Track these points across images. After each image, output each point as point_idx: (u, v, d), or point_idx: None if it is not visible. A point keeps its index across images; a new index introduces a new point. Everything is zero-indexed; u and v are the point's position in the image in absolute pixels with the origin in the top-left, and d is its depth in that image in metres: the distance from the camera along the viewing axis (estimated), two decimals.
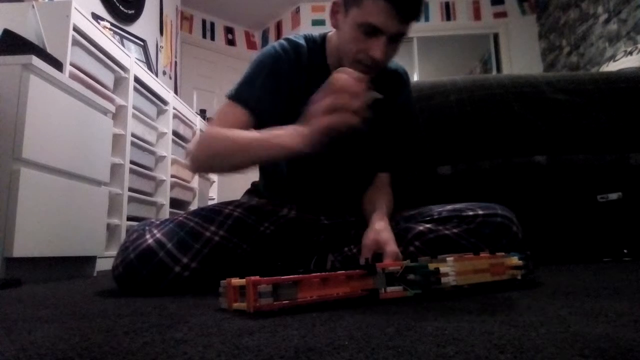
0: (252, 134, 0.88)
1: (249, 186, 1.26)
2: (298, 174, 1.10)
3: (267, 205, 1.06)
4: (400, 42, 0.96)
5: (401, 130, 1.13)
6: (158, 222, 0.95)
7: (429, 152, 1.46)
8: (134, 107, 2.30)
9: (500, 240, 0.99)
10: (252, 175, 1.21)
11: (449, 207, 1.04)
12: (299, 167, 1.08)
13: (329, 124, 0.75)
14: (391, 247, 0.85)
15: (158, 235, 0.90)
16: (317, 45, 1.05)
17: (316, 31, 1.11)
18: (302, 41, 1.04)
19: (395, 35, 0.90)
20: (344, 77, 0.76)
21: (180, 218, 0.96)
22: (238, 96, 0.97)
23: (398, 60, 1.11)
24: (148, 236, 0.90)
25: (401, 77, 1.13)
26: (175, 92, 3.99)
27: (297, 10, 4.75)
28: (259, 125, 0.95)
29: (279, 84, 0.99)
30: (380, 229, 0.89)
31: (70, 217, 1.51)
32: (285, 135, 0.82)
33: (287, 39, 1.04)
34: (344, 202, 1.13)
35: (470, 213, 1.00)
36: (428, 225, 1.01)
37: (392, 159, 1.14)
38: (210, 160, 0.94)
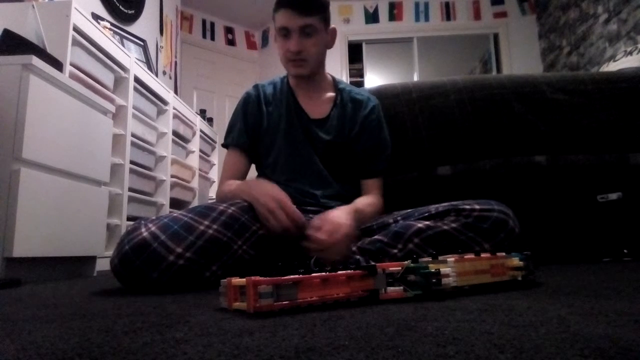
0: (235, 188, 1.17)
1: None
2: (289, 176, 1.22)
3: None
4: (320, 35, 1.18)
5: (365, 142, 1.27)
6: (154, 218, 0.98)
7: (428, 152, 1.46)
8: (134, 107, 2.30)
9: (497, 235, 0.99)
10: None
11: (446, 203, 1.06)
12: (290, 169, 1.23)
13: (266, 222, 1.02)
14: (332, 220, 0.97)
15: (153, 228, 0.92)
16: (282, 78, 1.33)
17: None
18: (266, 83, 1.33)
19: (303, 28, 1.15)
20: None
21: (175, 214, 0.98)
22: (228, 142, 1.29)
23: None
24: (143, 229, 0.92)
25: (364, 101, 1.31)
26: (175, 92, 3.99)
27: None
28: (253, 148, 1.28)
29: (247, 119, 1.28)
30: (332, 211, 1.03)
31: (70, 217, 1.51)
32: (245, 191, 1.11)
33: (254, 86, 1.33)
34: (334, 200, 1.20)
35: (467, 207, 1.02)
36: (427, 222, 1.01)
37: (363, 168, 1.28)
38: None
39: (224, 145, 1.31)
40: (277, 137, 1.25)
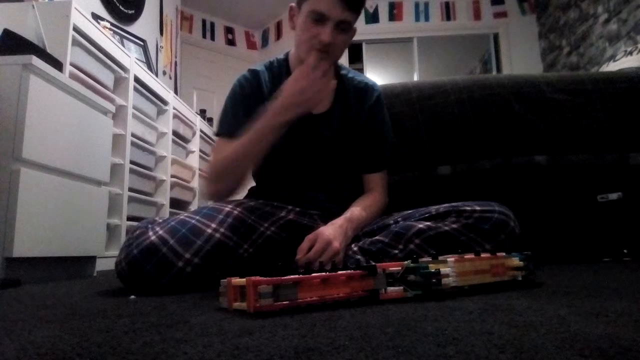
0: (243, 137, 1.02)
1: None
2: (290, 178, 1.16)
3: (266, 207, 1.08)
4: (349, 34, 1.07)
5: (371, 136, 1.20)
6: (160, 220, 0.97)
7: (429, 152, 1.46)
8: (134, 107, 2.30)
9: (498, 236, 0.99)
10: (251, 182, 1.24)
11: (446, 204, 1.05)
12: (290, 171, 1.15)
13: (293, 100, 0.96)
14: (322, 237, 0.92)
15: (161, 232, 0.92)
16: (280, 62, 1.20)
17: None
18: (262, 68, 1.19)
19: (340, 22, 1.02)
20: (302, 67, 0.97)
21: (182, 216, 0.97)
22: (220, 130, 1.14)
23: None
24: (151, 233, 0.92)
25: (368, 90, 1.22)
26: (175, 92, 3.98)
27: None
28: None
29: (247, 106, 1.13)
30: (325, 227, 0.98)
31: (70, 217, 1.51)
32: (264, 119, 0.99)
33: (249, 70, 1.19)
34: (337, 204, 1.15)
35: (468, 208, 1.02)
36: (427, 223, 1.01)
37: (368, 161, 1.21)
38: (224, 176, 1.07)
39: (216, 134, 1.16)
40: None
